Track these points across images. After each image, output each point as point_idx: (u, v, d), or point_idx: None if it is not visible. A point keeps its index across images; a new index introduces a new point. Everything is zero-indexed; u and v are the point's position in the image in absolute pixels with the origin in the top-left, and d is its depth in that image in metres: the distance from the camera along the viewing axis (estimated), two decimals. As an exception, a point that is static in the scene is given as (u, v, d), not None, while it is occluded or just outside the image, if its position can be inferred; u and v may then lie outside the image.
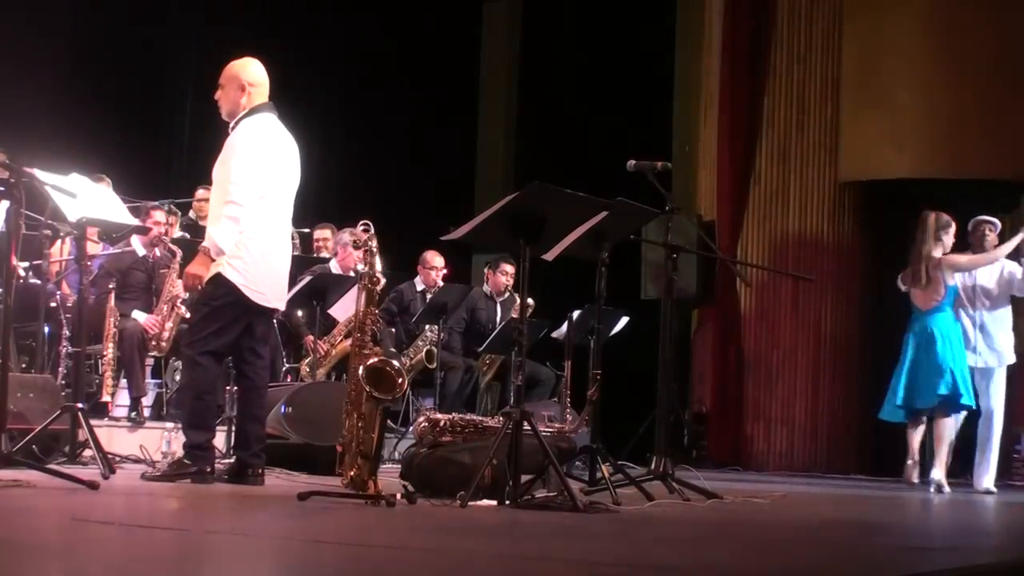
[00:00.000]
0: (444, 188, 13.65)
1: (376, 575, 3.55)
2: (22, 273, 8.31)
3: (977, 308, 9.15)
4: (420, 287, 10.48)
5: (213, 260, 6.37)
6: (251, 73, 6.59)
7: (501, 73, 15.12)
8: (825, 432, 11.80)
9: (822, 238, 11.94)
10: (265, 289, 6.51)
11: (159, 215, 9.34)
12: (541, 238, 5.95)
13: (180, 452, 6.71)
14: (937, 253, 8.95)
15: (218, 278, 6.41)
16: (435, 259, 10.45)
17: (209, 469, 6.45)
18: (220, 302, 6.44)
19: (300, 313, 9.60)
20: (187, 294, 9.22)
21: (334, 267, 9.80)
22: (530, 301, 9.70)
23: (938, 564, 4.43)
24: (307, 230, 10.61)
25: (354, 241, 7.45)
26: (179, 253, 9.13)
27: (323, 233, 10.69)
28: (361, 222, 6.08)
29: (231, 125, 6.55)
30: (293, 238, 9.36)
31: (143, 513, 5.18)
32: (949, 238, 9.02)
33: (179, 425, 7.84)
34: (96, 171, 8.37)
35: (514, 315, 9.87)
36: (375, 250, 5.98)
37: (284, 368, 9.54)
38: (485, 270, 10.94)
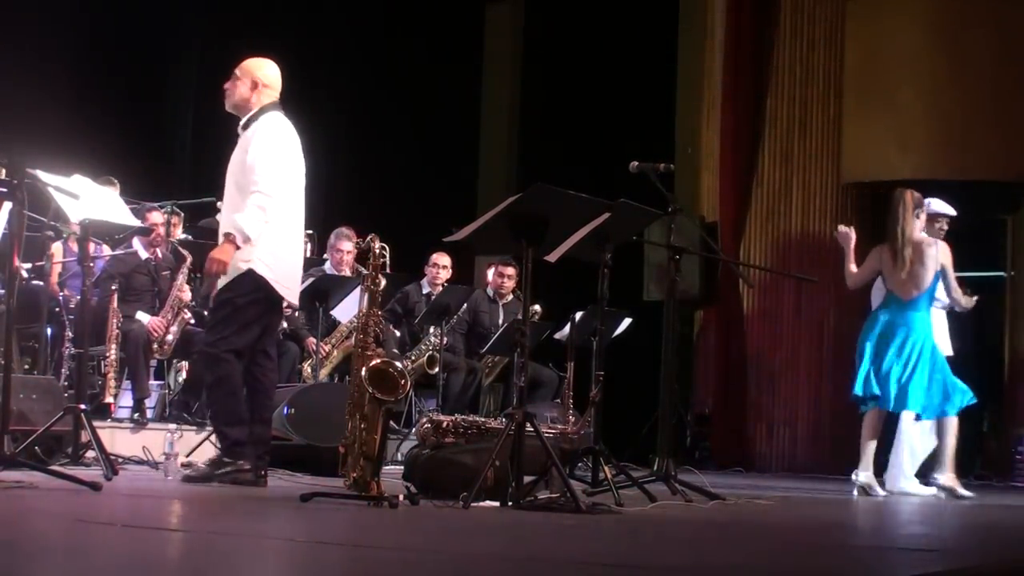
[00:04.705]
0: (447, 189, 13.65)
1: (378, 576, 3.56)
2: (25, 275, 8.32)
3: None
4: (426, 289, 10.50)
5: (238, 248, 6.33)
6: (266, 73, 6.60)
7: (504, 74, 15.12)
8: (828, 433, 11.79)
9: (825, 239, 11.92)
10: (289, 283, 6.55)
11: (156, 216, 9.36)
12: (543, 240, 5.95)
13: (182, 453, 6.71)
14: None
15: (247, 275, 6.38)
16: (440, 259, 10.50)
17: (248, 467, 6.39)
18: (245, 300, 6.41)
19: (298, 314, 9.60)
20: (192, 300, 9.25)
21: (328, 268, 9.81)
22: (537, 308, 9.77)
23: (939, 566, 4.43)
24: (311, 231, 10.59)
25: (356, 243, 7.46)
26: (189, 257, 9.14)
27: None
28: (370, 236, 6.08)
29: (242, 122, 6.55)
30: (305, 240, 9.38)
31: (146, 514, 5.18)
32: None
33: (181, 428, 7.87)
34: (100, 173, 8.38)
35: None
36: (379, 253, 5.98)
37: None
38: (489, 273, 10.92)
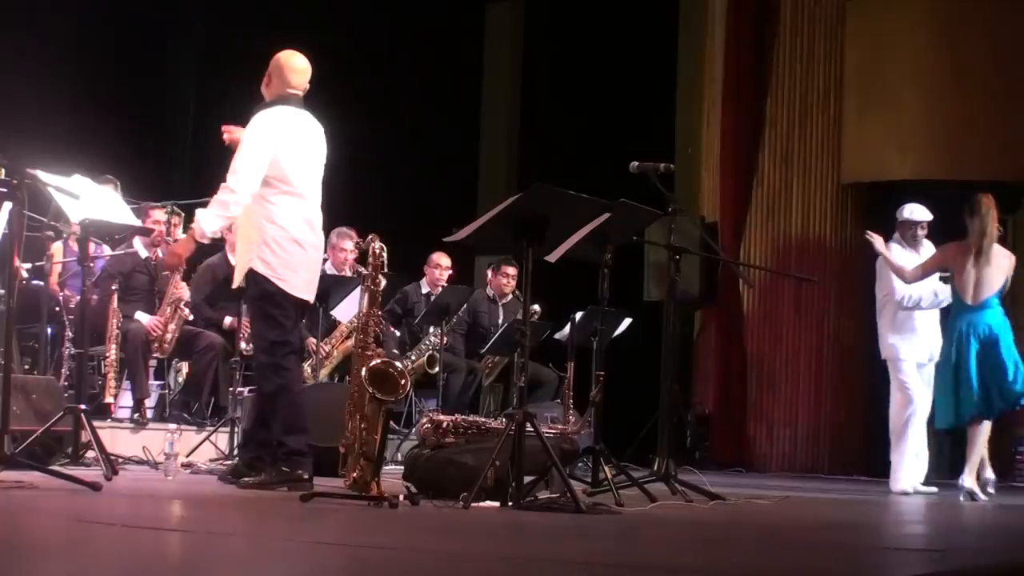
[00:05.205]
0: (447, 189, 13.65)
1: (378, 576, 3.56)
2: (25, 275, 8.32)
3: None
4: (425, 289, 10.48)
5: (197, 242, 6.37)
6: (283, 65, 6.53)
7: (504, 74, 15.12)
8: (828, 433, 11.80)
9: (824, 239, 11.94)
10: (298, 281, 6.39)
11: (157, 214, 9.36)
12: (544, 240, 5.95)
13: (182, 453, 6.69)
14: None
15: (250, 275, 6.33)
16: (441, 259, 10.48)
17: (308, 476, 6.25)
18: (264, 301, 6.35)
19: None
20: (190, 296, 9.24)
21: (329, 268, 9.79)
22: (537, 308, 9.77)
23: (939, 566, 4.43)
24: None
25: (356, 243, 7.45)
26: (183, 256, 9.13)
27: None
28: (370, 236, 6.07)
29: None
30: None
31: (146, 514, 5.18)
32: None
33: (181, 428, 7.86)
34: (100, 173, 8.38)
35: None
36: (378, 253, 5.98)
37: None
38: (489, 273, 10.92)
